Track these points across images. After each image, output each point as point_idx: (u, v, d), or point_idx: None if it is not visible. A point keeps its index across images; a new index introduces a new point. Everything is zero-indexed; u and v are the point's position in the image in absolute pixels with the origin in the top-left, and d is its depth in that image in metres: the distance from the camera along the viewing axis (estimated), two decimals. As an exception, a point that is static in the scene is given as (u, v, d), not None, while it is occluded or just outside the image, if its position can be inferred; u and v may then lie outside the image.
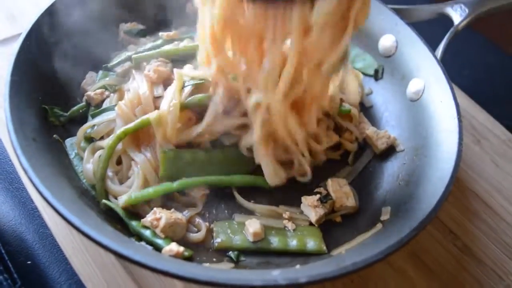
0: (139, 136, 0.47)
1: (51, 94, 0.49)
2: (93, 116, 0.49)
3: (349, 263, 0.36)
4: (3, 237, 0.47)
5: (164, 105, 0.46)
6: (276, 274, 0.36)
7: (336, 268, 0.36)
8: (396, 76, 0.57)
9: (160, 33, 0.56)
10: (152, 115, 0.45)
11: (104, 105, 0.50)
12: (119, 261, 0.43)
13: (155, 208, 0.43)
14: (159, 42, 0.55)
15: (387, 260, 0.46)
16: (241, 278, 0.35)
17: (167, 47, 0.53)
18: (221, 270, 0.40)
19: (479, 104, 0.62)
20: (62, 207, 0.36)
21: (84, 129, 0.48)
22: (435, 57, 0.53)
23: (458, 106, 0.49)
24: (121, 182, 0.46)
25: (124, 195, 0.44)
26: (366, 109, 0.58)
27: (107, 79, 0.52)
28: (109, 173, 0.46)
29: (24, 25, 0.48)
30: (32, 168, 0.38)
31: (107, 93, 0.51)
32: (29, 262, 0.46)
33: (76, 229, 0.36)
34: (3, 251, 0.47)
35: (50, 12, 0.51)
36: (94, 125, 0.48)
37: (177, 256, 0.39)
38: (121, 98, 0.50)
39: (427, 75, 0.53)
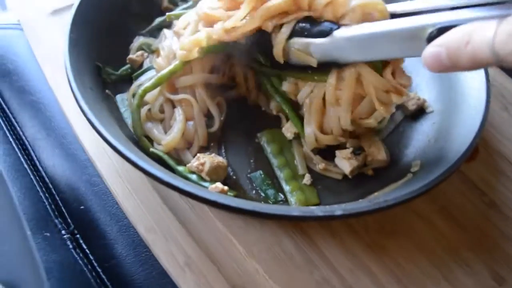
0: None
1: (104, 54, 0.53)
2: (135, 78, 0.53)
3: (382, 200, 0.39)
4: (58, 186, 0.52)
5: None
6: (314, 208, 0.39)
7: (369, 204, 0.39)
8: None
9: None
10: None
11: (145, 65, 0.54)
12: (166, 203, 0.47)
13: (198, 154, 0.47)
14: (190, 3, 0.58)
15: (417, 212, 0.49)
16: (282, 209, 0.39)
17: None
18: (262, 204, 0.44)
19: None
20: (119, 144, 0.40)
21: (133, 89, 0.51)
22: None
23: (487, 71, 0.51)
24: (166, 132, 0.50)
25: (166, 138, 0.48)
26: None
27: (142, 39, 0.56)
28: (153, 123, 0.49)
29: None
30: (91, 111, 0.42)
31: (145, 54, 0.55)
32: (81, 207, 0.50)
33: (133, 164, 0.39)
34: (57, 198, 0.51)
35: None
36: (140, 84, 0.51)
37: (222, 193, 0.43)
38: (158, 56, 0.53)
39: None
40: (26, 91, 0.60)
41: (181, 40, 0.48)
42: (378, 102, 0.45)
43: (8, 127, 0.56)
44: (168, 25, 0.57)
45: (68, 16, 0.50)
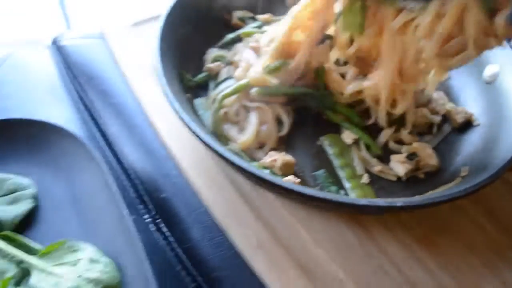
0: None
1: (183, 63, 0.60)
2: (216, 86, 0.60)
3: (436, 196, 0.45)
4: (140, 178, 0.58)
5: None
6: (378, 200, 0.45)
7: (425, 198, 0.45)
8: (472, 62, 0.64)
9: (257, 16, 0.67)
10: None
11: (222, 75, 0.61)
12: (239, 193, 0.53)
13: (270, 152, 0.53)
14: (259, 23, 0.66)
15: (466, 214, 0.53)
16: (351, 199, 0.44)
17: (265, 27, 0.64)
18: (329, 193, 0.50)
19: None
20: (209, 140, 0.46)
21: (214, 95, 0.58)
22: (511, 46, 0.60)
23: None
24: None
25: (242, 138, 0.54)
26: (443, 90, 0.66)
27: (215, 51, 0.63)
28: (230, 125, 0.56)
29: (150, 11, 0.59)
30: (184, 111, 0.49)
31: (222, 65, 0.62)
32: (162, 196, 0.56)
33: (221, 155, 0.45)
34: (140, 188, 0.57)
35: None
36: (220, 91, 0.58)
37: (294, 184, 0.49)
38: (235, 68, 0.60)
39: (502, 60, 0.60)
40: (108, 94, 0.67)
41: (262, 59, 0.55)
42: (473, 44, 0.45)
43: (95, 124, 0.63)
44: (238, 39, 0.64)
45: (148, 28, 0.57)
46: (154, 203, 0.55)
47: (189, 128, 0.48)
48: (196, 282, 0.49)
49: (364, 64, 0.56)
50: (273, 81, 0.55)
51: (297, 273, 0.48)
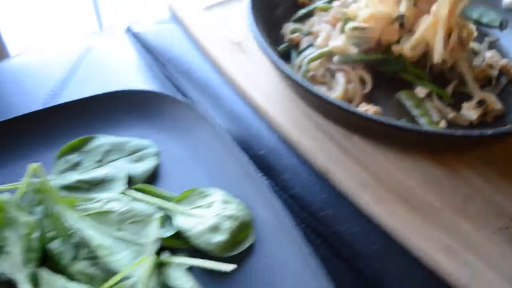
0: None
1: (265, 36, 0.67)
2: (299, 54, 0.67)
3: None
4: (236, 139, 0.64)
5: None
6: (471, 130, 0.52)
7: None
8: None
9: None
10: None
11: (303, 45, 0.67)
12: (335, 143, 0.59)
13: (361, 104, 0.60)
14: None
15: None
16: (446, 131, 0.51)
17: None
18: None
19: None
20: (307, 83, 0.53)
21: (299, 61, 0.65)
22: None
23: None
24: (328, 93, 0.63)
25: (332, 95, 0.61)
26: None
27: (291, 25, 0.70)
28: (318, 86, 0.63)
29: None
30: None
31: (301, 36, 0.68)
32: (260, 153, 0.62)
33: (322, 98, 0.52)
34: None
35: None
36: (304, 57, 0.65)
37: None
38: (314, 38, 0.67)
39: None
40: (190, 72, 0.73)
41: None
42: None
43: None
44: (309, 14, 0.71)
45: (219, 11, 0.64)
46: (253, 160, 0.62)
47: (288, 76, 0.54)
48: (304, 222, 0.56)
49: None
50: (353, 50, 0.62)
51: (399, 204, 0.54)
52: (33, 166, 0.50)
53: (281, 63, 0.55)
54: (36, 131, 0.58)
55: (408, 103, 0.63)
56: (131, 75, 0.72)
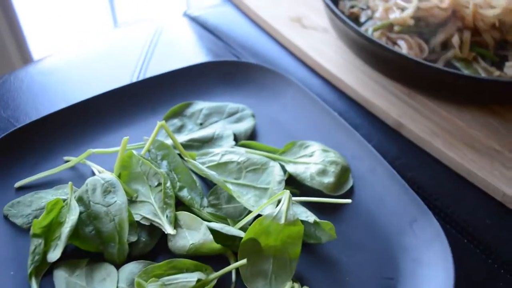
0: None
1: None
2: (361, 25, 0.74)
3: None
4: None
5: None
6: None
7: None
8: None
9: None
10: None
11: (362, 17, 0.75)
12: (401, 100, 0.68)
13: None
14: None
15: None
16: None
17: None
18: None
19: None
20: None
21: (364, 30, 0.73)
22: None
23: None
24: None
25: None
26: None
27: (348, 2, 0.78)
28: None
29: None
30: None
31: (360, 10, 0.76)
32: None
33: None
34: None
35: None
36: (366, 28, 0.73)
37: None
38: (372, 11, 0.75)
39: None
40: (254, 48, 0.80)
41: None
42: None
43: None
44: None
45: None
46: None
47: (363, 35, 0.62)
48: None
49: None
50: (411, 22, 0.70)
51: (467, 149, 0.63)
52: (160, 123, 0.56)
53: (354, 25, 0.63)
54: (140, 99, 0.64)
55: (459, 65, 0.72)
56: (197, 52, 0.78)
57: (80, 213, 0.51)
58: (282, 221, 0.48)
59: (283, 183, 0.55)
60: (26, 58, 1.30)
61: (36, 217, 0.53)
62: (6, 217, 0.54)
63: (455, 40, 0.69)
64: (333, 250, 0.52)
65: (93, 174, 0.57)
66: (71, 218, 0.50)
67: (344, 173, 0.58)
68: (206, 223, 0.51)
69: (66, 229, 0.49)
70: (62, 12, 1.61)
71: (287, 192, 0.50)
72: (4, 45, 1.22)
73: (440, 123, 0.66)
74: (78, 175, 0.58)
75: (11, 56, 1.26)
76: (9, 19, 1.17)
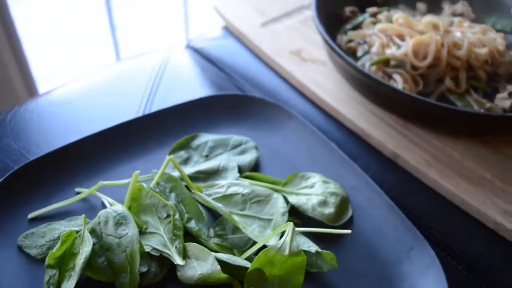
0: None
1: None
2: (357, 59, 0.78)
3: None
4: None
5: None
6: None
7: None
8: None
9: (367, 9, 0.86)
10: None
11: (359, 52, 0.79)
12: (397, 131, 0.71)
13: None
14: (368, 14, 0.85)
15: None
16: (497, 112, 0.64)
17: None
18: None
19: None
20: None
21: (361, 65, 0.76)
22: None
23: None
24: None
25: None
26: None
27: (345, 36, 0.82)
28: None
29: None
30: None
31: (357, 45, 0.80)
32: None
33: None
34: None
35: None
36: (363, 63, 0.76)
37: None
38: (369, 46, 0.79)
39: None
40: (256, 80, 0.83)
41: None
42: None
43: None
44: (357, 26, 0.83)
45: (273, 26, 0.75)
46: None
47: (359, 70, 0.65)
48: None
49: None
50: (406, 59, 0.74)
51: (461, 179, 0.66)
52: (169, 157, 0.59)
53: (351, 60, 0.66)
54: (148, 132, 0.67)
55: (452, 97, 0.75)
56: (201, 84, 0.82)
57: (93, 244, 0.53)
58: (286, 252, 0.51)
59: (286, 215, 0.57)
60: (31, 91, 1.33)
61: (49, 248, 0.55)
62: (20, 248, 0.56)
63: (448, 81, 0.73)
64: (334, 278, 0.55)
65: (104, 205, 0.60)
66: (85, 250, 0.52)
67: (343, 203, 0.61)
68: (213, 253, 0.53)
69: (80, 260, 0.52)
70: (66, 46, 1.65)
71: (291, 224, 0.53)
72: (10, 79, 1.25)
73: (435, 153, 0.69)
74: (90, 206, 0.60)
75: (17, 89, 1.29)
76: (15, 52, 1.20)
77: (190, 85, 0.80)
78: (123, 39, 1.57)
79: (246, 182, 0.61)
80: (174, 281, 0.53)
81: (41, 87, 1.37)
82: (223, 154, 0.66)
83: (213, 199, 0.59)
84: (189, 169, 0.64)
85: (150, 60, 0.84)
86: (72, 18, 1.71)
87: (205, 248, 0.54)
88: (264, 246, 0.53)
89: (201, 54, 0.88)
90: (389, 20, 0.80)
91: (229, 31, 0.91)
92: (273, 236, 0.54)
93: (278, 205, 0.58)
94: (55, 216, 0.59)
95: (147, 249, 0.54)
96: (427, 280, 0.53)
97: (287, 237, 0.52)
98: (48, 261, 0.53)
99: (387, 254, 0.57)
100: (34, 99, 0.79)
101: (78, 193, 0.61)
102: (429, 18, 0.77)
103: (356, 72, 0.67)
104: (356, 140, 0.72)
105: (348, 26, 0.84)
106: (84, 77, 0.83)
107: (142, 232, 0.56)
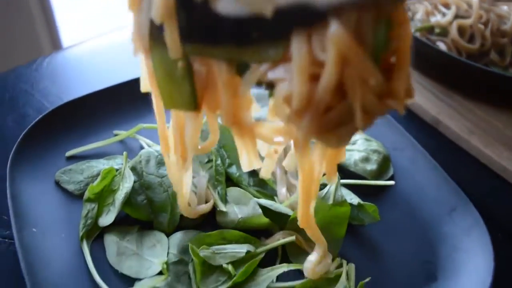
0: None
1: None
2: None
3: None
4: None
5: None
6: None
7: None
8: None
9: None
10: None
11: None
12: (443, 102, 0.70)
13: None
14: None
15: None
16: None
17: None
18: None
19: None
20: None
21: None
22: None
23: None
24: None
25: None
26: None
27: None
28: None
29: None
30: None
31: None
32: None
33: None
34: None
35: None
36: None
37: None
38: (413, 14, 0.77)
39: None
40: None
41: None
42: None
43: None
44: None
45: None
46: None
47: None
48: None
49: None
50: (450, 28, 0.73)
51: (503, 148, 0.65)
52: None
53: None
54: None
55: (496, 69, 0.74)
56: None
57: (133, 182, 0.52)
58: (330, 201, 0.50)
59: (330, 165, 0.56)
60: (56, 44, 1.33)
61: (87, 184, 0.54)
62: (57, 183, 0.55)
63: (493, 55, 0.72)
64: (375, 233, 0.53)
65: (142, 148, 0.59)
66: (126, 186, 0.52)
67: (385, 162, 0.59)
68: (255, 199, 0.52)
69: (120, 196, 0.51)
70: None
71: (336, 173, 0.51)
72: (36, 31, 1.25)
73: (477, 122, 0.67)
74: (127, 149, 0.60)
75: (42, 42, 1.29)
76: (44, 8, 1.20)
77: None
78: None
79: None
80: (211, 224, 0.52)
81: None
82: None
83: (254, 148, 0.58)
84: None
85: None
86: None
87: (247, 192, 0.53)
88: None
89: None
90: (434, -11, 0.79)
91: None
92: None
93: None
94: (92, 157, 0.59)
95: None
96: (470, 240, 0.52)
97: (331, 186, 0.51)
98: (87, 195, 0.52)
99: (429, 214, 0.55)
100: (72, 46, 0.79)
101: (116, 135, 0.61)
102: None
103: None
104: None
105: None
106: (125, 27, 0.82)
107: (181, 176, 0.55)
